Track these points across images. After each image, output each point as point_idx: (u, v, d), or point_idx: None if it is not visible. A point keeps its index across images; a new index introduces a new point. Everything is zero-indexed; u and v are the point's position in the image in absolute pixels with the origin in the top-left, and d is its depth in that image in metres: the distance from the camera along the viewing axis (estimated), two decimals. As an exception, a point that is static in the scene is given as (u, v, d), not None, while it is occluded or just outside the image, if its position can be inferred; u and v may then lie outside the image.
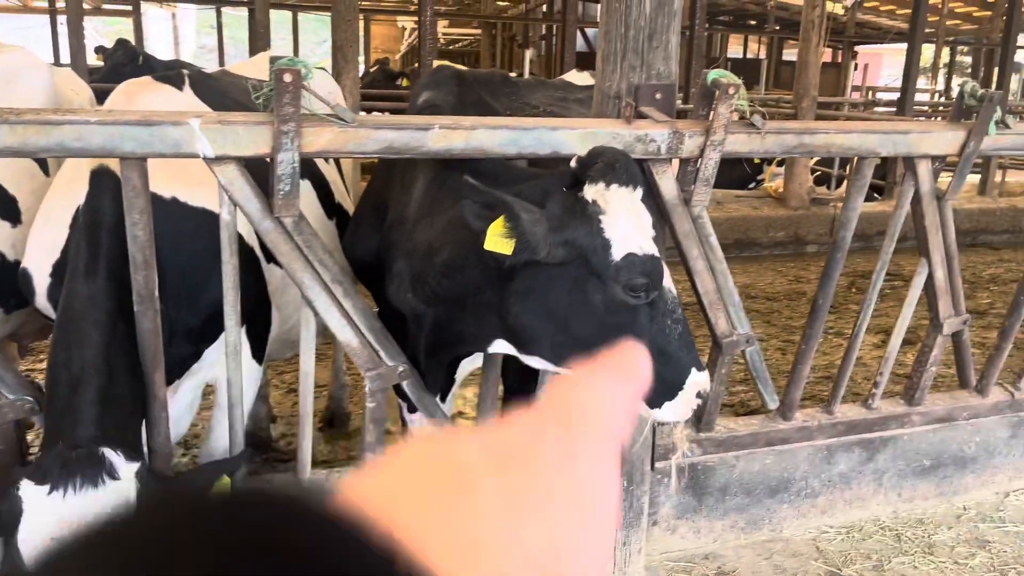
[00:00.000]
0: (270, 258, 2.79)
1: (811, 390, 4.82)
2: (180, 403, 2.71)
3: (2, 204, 2.92)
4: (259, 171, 2.30)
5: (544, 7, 15.80)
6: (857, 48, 18.79)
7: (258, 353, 2.78)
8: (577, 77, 3.88)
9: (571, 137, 2.39)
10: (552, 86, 3.40)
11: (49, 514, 1.82)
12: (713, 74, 2.47)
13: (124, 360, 2.21)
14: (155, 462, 2.36)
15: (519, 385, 2.96)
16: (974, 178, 10.58)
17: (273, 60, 2.10)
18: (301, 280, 2.37)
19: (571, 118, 2.52)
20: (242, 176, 2.20)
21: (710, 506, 3.26)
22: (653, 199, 2.48)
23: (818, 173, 11.01)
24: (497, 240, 1.95)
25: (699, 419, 3.15)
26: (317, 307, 2.42)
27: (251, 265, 2.64)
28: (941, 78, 18.66)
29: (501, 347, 2.29)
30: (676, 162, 2.64)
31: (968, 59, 21.83)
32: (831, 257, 3.00)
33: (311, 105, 2.17)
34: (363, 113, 2.26)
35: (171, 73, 2.92)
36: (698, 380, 2.12)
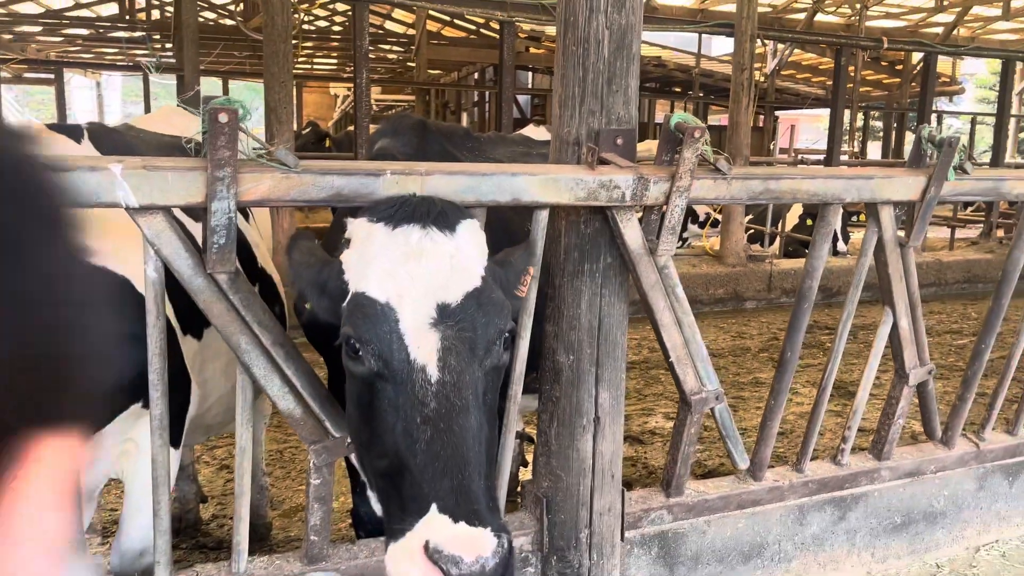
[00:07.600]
0: (185, 329, 2.51)
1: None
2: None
3: None
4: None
5: (476, 75, 16.01)
6: (777, 113, 19.56)
7: (175, 437, 2.46)
8: (535, 132, 3.77)
9: (531, 183, 2.24)
10: (513, 142, 3.28)
11: None
12: (676, 117, 2.36)
13: None
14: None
15: None
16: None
17: (206, 100, 1.90)
18: (237, 343, 2.12)
19: (532, 165, 2.37)
20: (171, 228, 1.96)
21: (682, 577, 3.05)
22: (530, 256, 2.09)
23: (751, 231, 11.20)
24: None
25: (668, 483, 2.96)
26: (255, 373, 2.17)
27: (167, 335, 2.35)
28: (856, 141, 19.50)
29: None
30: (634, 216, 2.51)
31: (879, 123, 22.95)
32: (797, 308, 2.89)
33: (248, 150, 1.97)
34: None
35: (67, 124, 2.65)
36: (432, 528, 1.44)
